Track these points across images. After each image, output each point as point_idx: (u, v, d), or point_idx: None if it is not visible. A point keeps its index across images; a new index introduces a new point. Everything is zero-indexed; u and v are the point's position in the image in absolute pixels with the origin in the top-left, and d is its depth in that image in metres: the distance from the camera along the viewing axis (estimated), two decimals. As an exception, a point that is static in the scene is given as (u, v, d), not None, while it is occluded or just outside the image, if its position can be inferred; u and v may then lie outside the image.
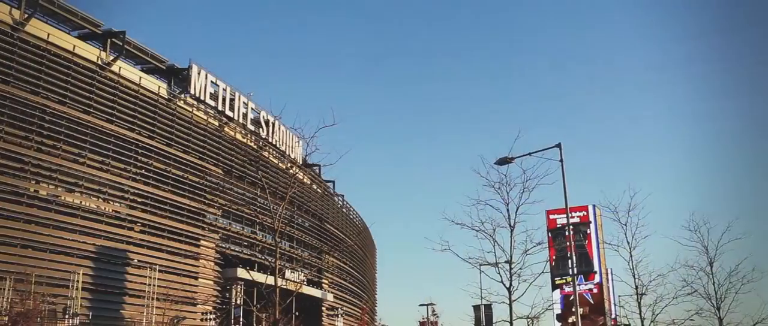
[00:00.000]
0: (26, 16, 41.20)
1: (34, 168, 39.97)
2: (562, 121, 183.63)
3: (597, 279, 64.58)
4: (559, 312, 61.57)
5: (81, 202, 42.83)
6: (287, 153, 61.53)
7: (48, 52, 41.60)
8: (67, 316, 37.43)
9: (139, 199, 46.86)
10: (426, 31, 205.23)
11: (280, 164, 60.06)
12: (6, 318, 33.57)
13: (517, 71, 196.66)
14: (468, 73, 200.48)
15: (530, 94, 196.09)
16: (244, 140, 59.93)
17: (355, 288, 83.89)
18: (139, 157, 47.27)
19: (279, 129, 63.52)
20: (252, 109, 60.86)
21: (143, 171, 47.48)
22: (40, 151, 40.37)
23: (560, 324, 62.39)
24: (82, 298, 39.53)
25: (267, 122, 61.93)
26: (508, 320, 25.94)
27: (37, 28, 41.91)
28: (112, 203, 45.16)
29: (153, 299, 43.60)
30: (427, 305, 68.11)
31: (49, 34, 42.23)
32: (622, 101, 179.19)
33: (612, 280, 64.80)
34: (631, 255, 35.06)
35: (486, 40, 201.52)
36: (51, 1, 43.31)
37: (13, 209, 38.18)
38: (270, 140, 62.58)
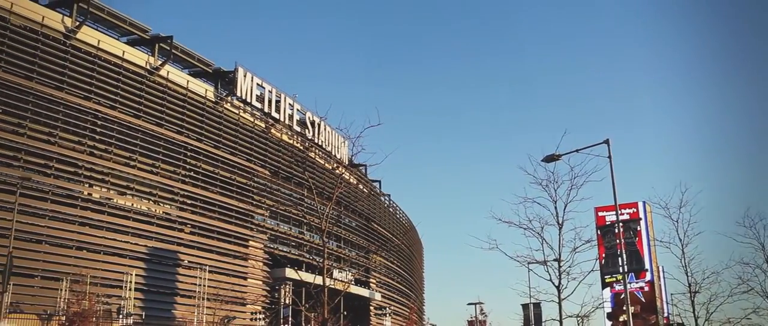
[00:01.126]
0: (77, 23, 42.29)
1: (88, 171, 41.06)
2: (609, 119, 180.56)
3: (648, 277, 63.36)
4: (610, 310, 60.60)
5: (132, 204, 43.79)
6: (333, 153, 61.73)
7: (98, 58, 42.63)
8: (121, 316, 38.38)
9: (189, 201, 47.67)
10: (473, 32, 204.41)
11: (326, 164, 60.33)
12: (63, 318, 34.56)
13: (554, 72, 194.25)
14: (515, 74, 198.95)
15: (576, 93, 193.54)
16: (291, 141, 60.41)
17: (403, 288, 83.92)
18: (188, 160, 48.07)
19: (325, 129, 63.73)
20: (297, 110, 61.27)
21: (192, 174, 48.29)
22: (92, 155, 41.43)
23: (611, 322, 61.41)
24: (135, 298, 40.49)
25: (313, 123, 62.27)
26: (558, 319, 25.44)
27: (88, 35, 43.00)
28: (162, 205, 46.04)
29: (203, 299, 44.33)
30: (475, 304, 67.58)
31: (99, 41, 43.31)
32: (671, 98, 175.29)
33: (664, 278, 63.59)
34: (683, 253, 33.82)
35: (522, 42, 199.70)
36: (100, 9, 44.37)
37: (68, 212, 39.30)
38: (316, 141, 62.86)
